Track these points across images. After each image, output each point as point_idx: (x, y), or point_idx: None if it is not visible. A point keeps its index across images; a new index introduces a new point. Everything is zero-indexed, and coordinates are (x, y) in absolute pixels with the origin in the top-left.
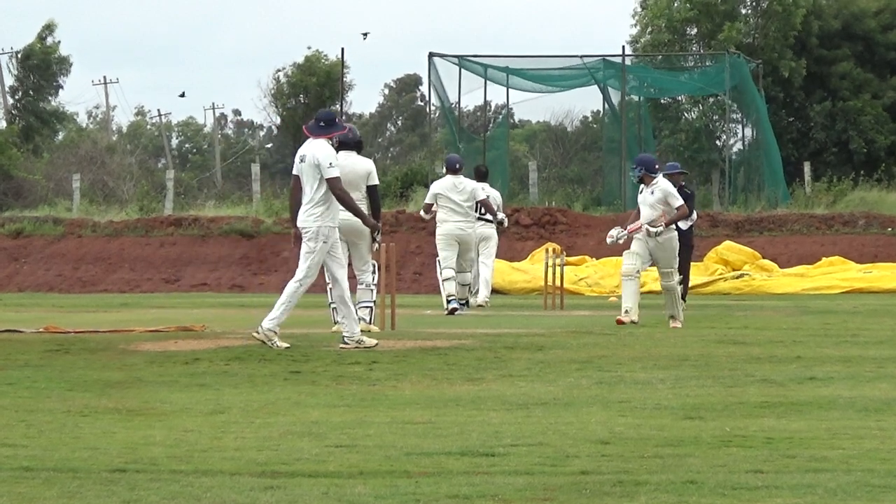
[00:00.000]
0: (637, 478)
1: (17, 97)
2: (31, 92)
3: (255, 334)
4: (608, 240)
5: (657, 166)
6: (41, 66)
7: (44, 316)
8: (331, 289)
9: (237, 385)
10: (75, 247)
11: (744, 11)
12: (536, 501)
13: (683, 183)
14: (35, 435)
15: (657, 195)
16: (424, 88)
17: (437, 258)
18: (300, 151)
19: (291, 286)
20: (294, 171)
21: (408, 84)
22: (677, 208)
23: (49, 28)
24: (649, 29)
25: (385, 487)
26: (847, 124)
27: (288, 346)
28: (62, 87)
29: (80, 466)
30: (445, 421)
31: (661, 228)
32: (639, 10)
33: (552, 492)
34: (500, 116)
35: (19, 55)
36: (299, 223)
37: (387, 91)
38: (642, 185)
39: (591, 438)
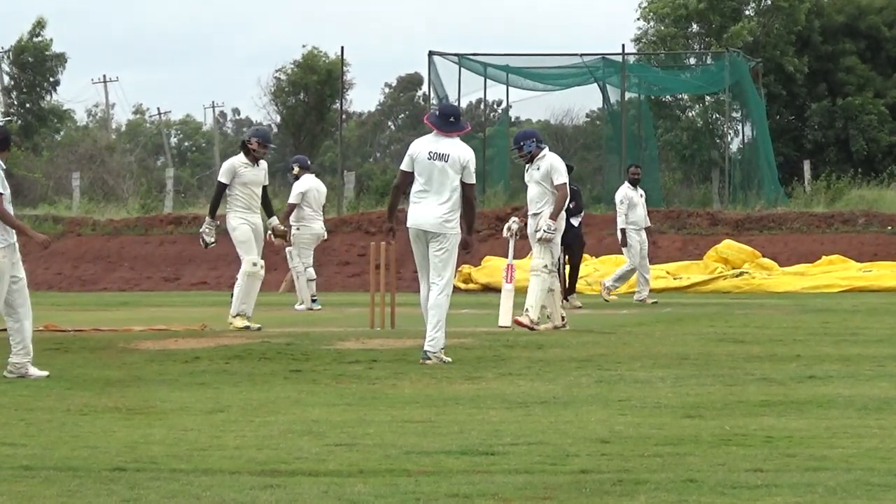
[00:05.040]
0: (637, 476)
1: (12, 95)
2: (25, 89)
3: (428, 362)
4: (505, 232)
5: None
6: (35, 63)
7: (43, 314)
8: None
9: (237, 384)
10: (75, 245)
11: (747, 12)
12: (536, 500)
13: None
14: (35, 434)
15: (543, 169)
16: (425, 87)
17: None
18: (431, 147)
19: (443, 300)
20: (408, 168)
21: (410, 83)
22: (557, 187)
23: (40, 25)
24: (652, 22)
25: (385, 486)
26: (847, 122)
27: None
28: (58, 84)
29: (80, 465)
30: (445, 420)
31: (553, 232)
32: (644, 2)
33: (552, 490)
34: (500, 115)
35: (10, 52)
36: (431, 227)
37: (388, 89)
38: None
39: (590, 437)
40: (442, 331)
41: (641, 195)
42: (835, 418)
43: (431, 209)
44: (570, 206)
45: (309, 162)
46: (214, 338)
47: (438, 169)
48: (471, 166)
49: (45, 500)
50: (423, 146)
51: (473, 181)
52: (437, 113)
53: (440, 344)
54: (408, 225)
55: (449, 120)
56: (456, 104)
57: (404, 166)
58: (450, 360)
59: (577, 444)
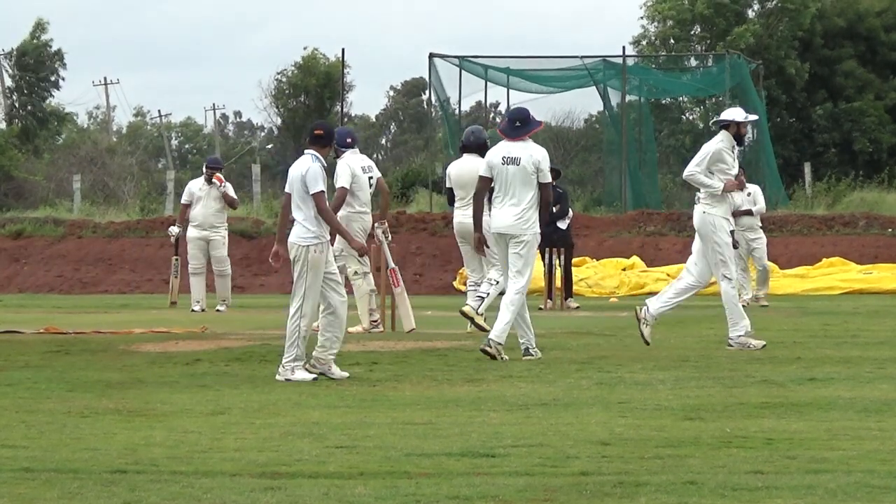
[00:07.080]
0: (637, 479)
1: (14, 97)
2: (25, 91)
3: (488, 349)
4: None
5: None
6: (37, 64)
7: (44, 317)
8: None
9: (237, 386)
10: (76, 248)
11: (751, 14)
12: (537, 502)
13: (555, 183)
14: (35, 436)
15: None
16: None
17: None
18: (504, 152)
19: (517, 298)
20: (486, 173)
21: (415, 87)
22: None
23: (40, 27)
24: (656, 22)
25: (385, 488)
26: (852, 124)
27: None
28: (61, 82)
29: (81, 467)
30: (446, 422)
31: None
32: (649, 2)
33: (552, 493)
34: (501, 117)
35: (13, 54)
36: (507, 229)
37: (392, 93)
38: None
39: (591, 439)
40: (508, 326)
41: (749, 194)
42: (835, 420)
43: (507, 212)
44: (555, 208)
45: None
46: (215, 340)
47: (511, 173)
48: (543, 166)
49: (45, 503)
50: (497, 152)
51: (548, 180)
52: (506, 119)
53: (504, 338)
54: (490, 230)
55: (515, 125)
56: (523, 107)
57: (483, 172)
58: (507, 358)
59: (577, 446)
